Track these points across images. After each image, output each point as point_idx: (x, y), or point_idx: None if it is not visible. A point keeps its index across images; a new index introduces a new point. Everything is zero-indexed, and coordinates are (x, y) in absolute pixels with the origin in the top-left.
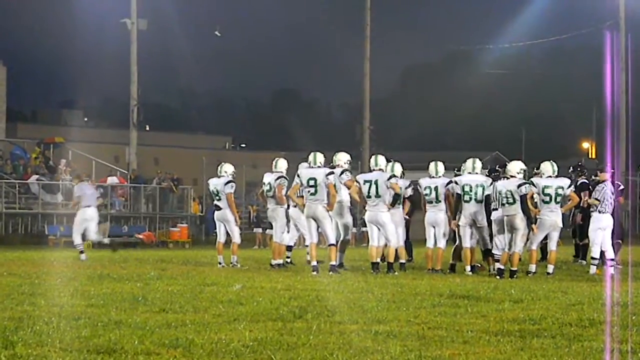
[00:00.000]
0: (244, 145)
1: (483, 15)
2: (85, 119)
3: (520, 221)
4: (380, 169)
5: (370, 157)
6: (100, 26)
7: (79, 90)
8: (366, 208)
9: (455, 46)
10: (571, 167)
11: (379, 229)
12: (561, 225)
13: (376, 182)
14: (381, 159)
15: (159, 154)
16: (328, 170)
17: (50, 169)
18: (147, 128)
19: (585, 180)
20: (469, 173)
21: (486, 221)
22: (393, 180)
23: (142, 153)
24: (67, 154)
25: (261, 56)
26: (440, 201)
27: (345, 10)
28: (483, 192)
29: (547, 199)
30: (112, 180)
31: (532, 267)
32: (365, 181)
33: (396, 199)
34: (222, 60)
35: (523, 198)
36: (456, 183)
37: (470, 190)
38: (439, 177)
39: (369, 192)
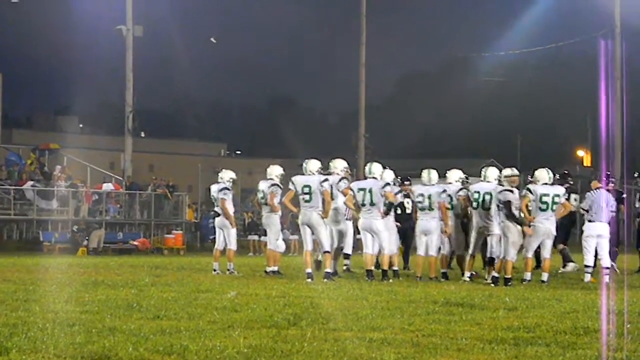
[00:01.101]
0: (239, 152)
1: (479, 23)
2: (81, 126)
3: (511, 229)
4: (374, 177)
5: (365, 165)
6: (96, 33)
7: (75, 96)
8: (360, 215)
9: (451, 54)
10: (557, 176)
11: (373, 237)
12: (555, 233)
13: (370, 190)
14: (376, 167)
15: (154, 160)
16: (323, 178)
17: (45, 175)
18: (143, 135)
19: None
20: (481, 181)
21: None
22: (387, 188)
23: (138, 160)
24: (62, 160)
25: (257, 63)
26: (433, 209)
27: (341, 17)
28: (490, 200)
29: (544, 206)
30: (107, 186)
31: (527, 275)
32: (360, 189)
33: (390, 208)
34: (218, 67)
35: (507, 205)
36: (468, 190)
37: (478, 198)
38: (432, 184)
39: (363, 200)
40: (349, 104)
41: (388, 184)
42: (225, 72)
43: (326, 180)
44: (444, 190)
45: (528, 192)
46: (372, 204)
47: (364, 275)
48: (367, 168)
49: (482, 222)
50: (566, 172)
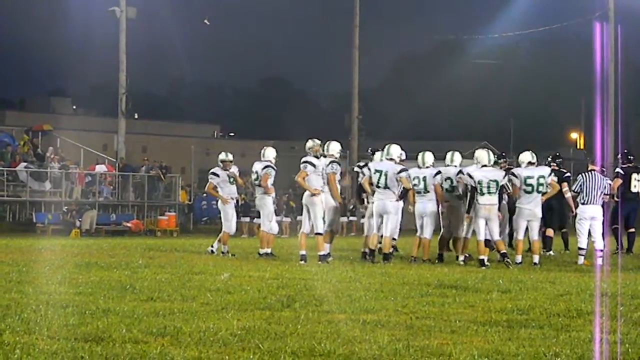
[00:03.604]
0: (232, 134)
1: (473, 5)
2: (74, 107)
3: (496, 211)
4: (391, 159)
5: (384, 147)
6: (89, 14)
7: (68, 78)
8: (374, 197)
9: (445, 36)
10: (550, 157)
11: (383, 219)
12: (540, 215)
13: (386, 174)
14: (394, 149)
15: (148, 142)
16: (328, 160)
17: (38, 157)
18: (136, 116)
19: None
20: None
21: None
22: (403, 174)
23: (131, 141)
24: (56, 141)
25: (250, 44)
26: (428, 191)
27: None
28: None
29: (529, 189)
30: (101, 168)
31: (518, 258)
32: (376, 170)
33: (405, 193)
34: (211, 48)
35: (502, 189)
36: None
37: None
38: (427, 167)
39: (378, 182)
40: (342, 86)
41: (404, 169)
42: (219, 54)
43: (332, 162)
44: (438, 172)
45: (512, 176)
46: (386, 187)
47: (358, 257)
48: (385, 150)
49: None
50: (557, 154)
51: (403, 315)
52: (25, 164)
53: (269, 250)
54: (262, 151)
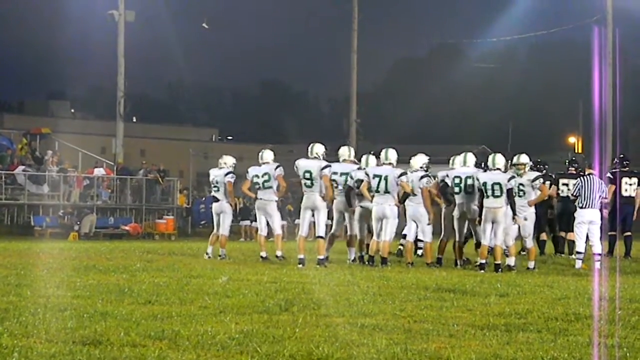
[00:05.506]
0: (230, 138)
1: (471, 9)
2: (72, 110)
3: (502, 215)
4: (390, 163)
5: (381, 151)
6: (88, 17)
7: (66, 81)
8: (373, 202)
9: (443, 40)
10: (567, 161)
11: (383, 224)
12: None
13: (386, 178)
14: (392, 153)
15: (146, 145)
16: (324, 164)
17: (36, 160)
18: (134, 120)
19: None
20: (461, 166)
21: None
22: (403, 178)
23: (129, 144)
24: (54, 145)
25: (248, 48)
26: (416, 195)
27: (333, 2)
28: (473, 185)
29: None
30: (99, 171)
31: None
32: (375, 175)
33: (405, 197)
34: (210, 52)
35: (510, 191)
36: (447, 176)
37: (460, 182)
38: (413, 171)
39: (377, 187)
40: (341, 90)
41: (404, 173)
42: (217, 58)
43: (327, 166)
44: (425, 175)
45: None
46: (386, 191)
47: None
48: (382, 154)
49: (464, 207)
50: (573, 158)
51: (401, 319)
52: (23, 167)
53: (264, 254)
54: (263, 154)
